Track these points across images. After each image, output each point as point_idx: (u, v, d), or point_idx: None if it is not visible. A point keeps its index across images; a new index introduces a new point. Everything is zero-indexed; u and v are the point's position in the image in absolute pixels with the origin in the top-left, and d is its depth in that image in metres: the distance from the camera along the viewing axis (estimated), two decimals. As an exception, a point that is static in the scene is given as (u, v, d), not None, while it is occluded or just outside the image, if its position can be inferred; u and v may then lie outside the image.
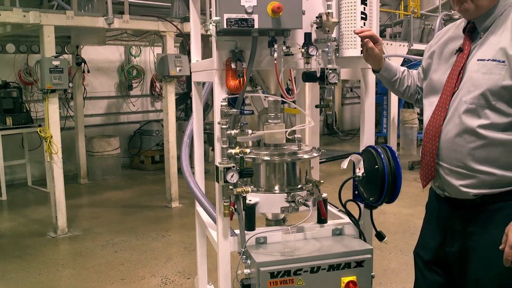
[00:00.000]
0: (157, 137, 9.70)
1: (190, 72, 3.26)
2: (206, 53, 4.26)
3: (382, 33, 12.01)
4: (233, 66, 2.36)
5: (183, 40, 7.40)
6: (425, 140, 2.27)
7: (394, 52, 9.83)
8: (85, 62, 8.47)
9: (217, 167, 2.41)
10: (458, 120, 2.12)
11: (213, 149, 2.53)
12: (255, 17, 2.25)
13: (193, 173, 3.18)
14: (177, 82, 8.90)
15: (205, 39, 6.93)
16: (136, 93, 10.37)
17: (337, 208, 2.98)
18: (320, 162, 10.55)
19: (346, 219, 2.76)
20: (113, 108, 10.19)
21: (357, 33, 2.38)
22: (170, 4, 7.46)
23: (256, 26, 2.26)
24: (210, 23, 2.34)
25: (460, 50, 2.19)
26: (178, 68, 6.38)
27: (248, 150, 2.45)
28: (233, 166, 2.39)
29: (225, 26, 2.23)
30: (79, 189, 8.29)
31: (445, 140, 2.18)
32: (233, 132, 2.42)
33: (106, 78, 10.00)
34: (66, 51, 8.24)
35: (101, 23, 5.95)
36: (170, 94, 6.66)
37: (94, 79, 9.64)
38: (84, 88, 9.04)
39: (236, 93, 2.40)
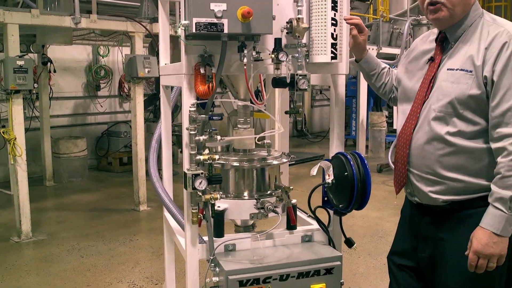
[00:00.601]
0: (125, 139, 9.56)
1: (159, 74, 3.21)
2: (175, 55, 4.20)
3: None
4: (202, 71, 2.32)
5: (152, 41, 7.30)
6: (397, 147, 2.30)
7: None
8: (51, 62, 8.28)
9: (185, 174, 2.37)
10: (427, 127, 2.16)
11: (181, 151, 2.47)
12: (225, 21, 2.22)
13: (161, 177, 3.13)
14: (146, 82, 8.79)
15: (175, 40, 6.86)
16: (104, 94, 10.20)
17: (307, 213, 2.97)
18: (290, 165, 10.56)
19: (316, 225, 2.75)
20: (80, 109, 10.01)
21: (345, 19, 2.41)
22: (139, 4, 7.36)
23: (225, 30, 2.22)
24: (179, 26, 2.30)
25: (431, 59, 2.22)
26: (147, 70, 6.29)
27: (217, 157, 2.42)
28: (202, 173, 2.35)
29: (194, 31, 2.19)
30: (44, 192, 8.10)
31: (415, 147, 2.21)
32: (201, 138, 2.39)
33: (73, 78, 9.81)
34: (32, 50, 8.03)
35: (67, 22, 5.82)
36: (139, 95, 6.56)
37: (60, 79, 9.45)
38: (50, 88, 8.84)
39: (205, 98, 2.36)
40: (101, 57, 9.97)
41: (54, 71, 8.57)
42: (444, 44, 2.21)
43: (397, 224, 2.61)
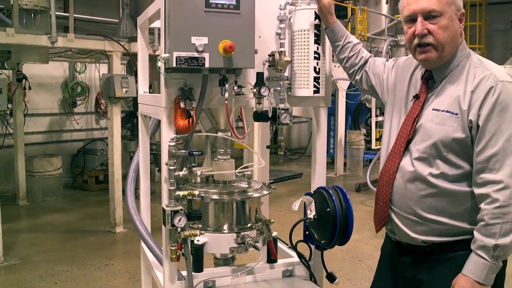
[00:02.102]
0: (101, 157, 9.41)
1: (138, 102, 3.14)
2: (153, 73, 4.13)
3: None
4: (182, 105, 2.27)
5: (130, 60, 7.22)
6: (379, 185, 2.25)
7: (342, 75, 9.96)
8: (26, 79, 8.12)
9: (164, 210, 2.30)
10: (410, 167, 2.12)
11: (159, 170, 2.42)
12: (206, 55, 2.18)
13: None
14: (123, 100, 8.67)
15: (153, 59, 6.81)
16: (80, 110, 10.05)
17: (287, 245, 2.92)
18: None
19: (297, 258, 2.70)
20: (56, 126, 9.83)
21: None
22: (117, 20, 7.28)
23: (207, 65, 2.18)
24: (159, 59, 2.24)
25: (416, 97, 2.18)
26: (124, 89, 6.21)
27: (196, 192, 2.36)
28: (181, 209, 2.29)
29: (174, 65, 2.14)
30: (17, 212, 7.89)
31: (397, 186, 2.18)
32: (181, 173, 2.33)
33: (49, 94, 9.65)
34: (6, 67, 7.87)
35: (44, 41, 5.71)
36: (116, 115, 6.46)
37: (36, 95, 9.28)
38: (25, 105, 8.67)
39: (185, 133, 2.31)
40: (78, 74, 9.83)
41: (29, 88, 8.41)
42: (430, 82, 2.18)
43: (377, 262, 2.57)
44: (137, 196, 3.01)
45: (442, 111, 2.05)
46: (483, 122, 1.95)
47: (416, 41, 2.09)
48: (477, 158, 1.97)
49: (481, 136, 1.96)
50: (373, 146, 9.67)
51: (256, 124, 3.10)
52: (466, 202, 2.04)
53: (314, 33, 2.39)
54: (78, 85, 9.80)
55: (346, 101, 11.16)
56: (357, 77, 2.52)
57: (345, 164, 11.18)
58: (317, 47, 2.41)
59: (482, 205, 1.95)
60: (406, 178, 2.13)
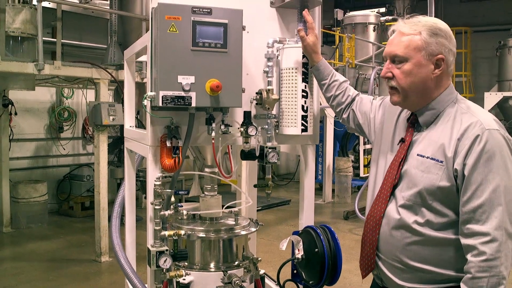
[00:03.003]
0: (87, 183, 9.29)
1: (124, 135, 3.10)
2: (141, 101, 4.11)
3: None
4: (168, 144, 2.24)
5: (118, 87, 7.19)
6: (365, 230, 2.20)
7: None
8: (12, 104, 8.05)
9: (149, 251, 2.25)
10: (395, 214, 2.08)
11: (145, 197, 2.38)
12: (193, 94, 2.16)
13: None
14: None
15: (141, 86, 6.79)
16: (67, 136, 9.95)
17: (275, 281, 2.88)
18: (256, 210, 10.32)
19: (285, 297, 2.65)
20: (42, 151, 9.72)
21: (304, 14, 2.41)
22: (105, 46, 7.27)
23: (193, 104, 2.17)
24: (145, 97, 2.22)
25: (402, 141, 2.16)
26: (111, 117, 6.16)
27: (182, 232, 2.32)
28: (166, 250, 2.24)
29: (160, 104, 2.12)
30: (1, 239, 7.73)
31: (383, 232, 2.13)
32: (167, 213, 2.29)
33: (35, 119, 9.56)
34: (-7, 92, 7.82)
35: (30, 69, 5.67)
36: (103, 143, 6.40)
37: (22, 120, 9.19)
38: (11, 130, 8.58)
39: (171, 173, 2.28)
40: (65, 99, 9.77)
41: (15, 114, 8.33)
42: (416, 125, 2.15)
43: None
44: (122, 223, 2.96)
45: (427, 157, 2.01)
46: (469, 171, 1.91)
47: (385, 83, 2.11)
48: (463, 208, 1.93)
49: (467, 186, 1.91)
50: (361, 174, 9.67)
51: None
52: (452, 250, 1.99)
53: (302, 71, 2.39)
54: (65, 110, 9.71)
55: (334, 128, 11.19)
56: (344, 116, 2.51)
57: (333, 190, 11.15)
58: (305, 86, 2.40)
59: (469, 257, 1.90)
60: (392, 225, 2.09)
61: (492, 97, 12.79)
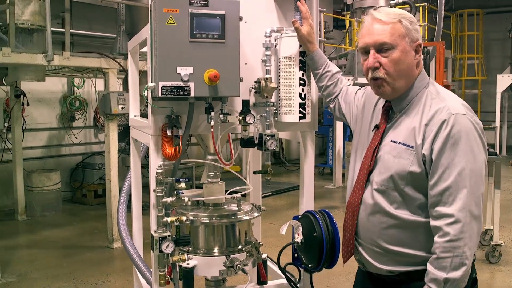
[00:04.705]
0: (100, 170, 9.42)
1: (129, 125, 3.17)
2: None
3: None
4: (168, 133, 2.31)
5: (127, 76, 7.26)
6: (345, 217, 2.26)
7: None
8: (24, 95, 8.18)
9: (152, 236, 2.33)
10: (371, 200, 2.13)
11: None
12: (192, 85, 2.21)
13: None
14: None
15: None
16: (78, 125, 10.08)
17: (279, 265, 2.95)
18: (266, 196, 10.50)
19: (287, 279, 2.72)
20: (55, 140, 9.87)
21: (299, 4, 2.43)
22: (115, 35, 7.34)
23: (192, 94, 2.22)
24: (146, 88, 2.28)
25: (377, 127, 2.20)
26: (120, 106, 6.24)
27: (184, 218, 2.39)
28: (169, 235, 2.32)
29: (160, 95, 2.18)
30: (16, 227, 7.91)
31: (361, 218, 2.19)
32: (169, 199, 2.36)
33: (48, 109, 9.69)
34: (4, 83, 7.93)
35: (40, 60, 5.76)
36: (112, 132, 6.49)
37: (34, 110, 9.33)
38: (24, 120, 8.71)
39: (172, 161, 2.34)
40: (76, 88, 9.88)
41: (27, 104, 8.45)
42: (390, 112, 2.18)
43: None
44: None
45: (399, 143, 2.05)
46: (436, 156, 1.95)
47: (369, 74, 2.09)
48: (431, 191, 1.97)
49: (435, 170, 1.95)
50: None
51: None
52: (425, 233, 2.04)
53: (300, 60, 2.43)
54: (76, 99, 9.83)
55: (344, 113, 11.17)
56: (331, 105, 2.56)
57: (343, 175, 11.19)
58: (303, 74, 2.44)
59: (436, 238, 1.95)
60: (368, 211, 2.14)
61: (505, 79, 12.68)
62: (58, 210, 8.77)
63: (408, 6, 11.73)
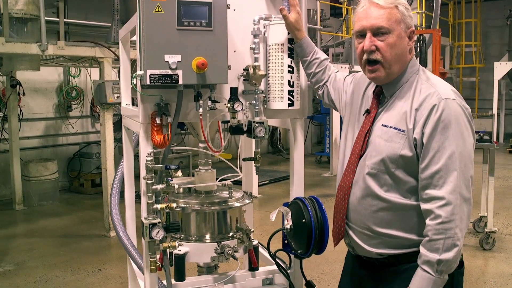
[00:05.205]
0: (97, 160, 9.43)
1: (121, 114, 3.18)
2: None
3: (325, 53, 12.14)
4: (157, 121, 2.32)
5: (122, 65, 7.25)
6: (336, 200, 2.29)
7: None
8: (20, 84, 8.17)
9: (142, 223, 2.35)
10: (362, 183, 2.16)
11: None
12: (180, 72, 2.22)
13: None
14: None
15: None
16: (75, 114, 10.09)
17: (270, 252, 2.97)
18: (263, 184, 10.52)
19: (278, 266, 2.74)
20: (51, 130, 9.88)
21: None
22: (110, 24, 7.32)
23: (180, 82, 2.23)
24: (134, 76, 2.30)
25: (367, 112, 2.22)
26: (116, 95, 6.24)
27: (174, 205, 2.41)
28: (159, 222, 2.34)
29: (148, 83, 2.19)
30: (14, 217, 7.95)
31: (352, 201, 2.22)
32: (158, 187, 2.38)
33: (44, 99, 9.70)
34: (0, 73, 7.93)
35: (34, 49, 5.76)
36: (108, 121, 6.51)
37: (31, 100, 9.33)
38: (20, 110, 8.72)
39: (161, 148, 2.36)
40: (72, 78, 9.87)
41: (24, 94, 8.45)
42: (381, 97, 2.21)
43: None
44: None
45: (390, 127, 2.09)
46: (427, 139, 1.98)
47: (364, 57, 2.11)
48: (421, 174, 2.01)
49: (425, 153, 1.99)
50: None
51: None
52: (415, 216, 2.08)
53: (288, 47, 2.44)
54: (72, 89, 9.83)
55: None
56: (320, 92, 2.58)
57: (340, 163, 11.22)
58: (291, 61, 2.45)
59: (427, 221, 1.99)
60: (359, 194, 2.17)
61: (502, 67, 12.64)
62: (56, 199, 8.81)
63: (405, -7, 11.67)
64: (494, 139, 12.27)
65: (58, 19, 6.82)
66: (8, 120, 8.31)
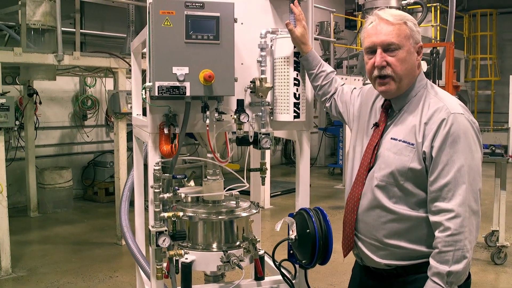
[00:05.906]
0: (111, 169, 9.51)
1: (133, 124, 3.25)
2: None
3: (339, 65, 12.22)
4: (165, 131, 2.38)
5: (137, 75, 7.36)
6: (345, 212, 2.32)
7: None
8: (37, 93, 8.32)
9: (149, 231, 2.40)
10: (371, 195, 2.20)
11: None
12: (187, 84, 2.28)
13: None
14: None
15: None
16: (90, 123, 10.24)
17: (277, 262, 3.00)
18: (276, 195, 10.52)
19: (284, 275, 2.77)
20: (67, 139, 10.02)
21: (292, 7, 2.49)
22: (125, 35, 7.46)
23: (188, 93, 2.29)
24: (143, 88, 2.36)
25: (376, 125, 2.26)
26: (129, 105, 6.32)
27: (181, 214, 2.45)
28: (166, 230, 2.39)
29: (156, 94, 2.25)
30: (28, 223, 8.07)
31: (360, 213, 2.25)
32: (166, 195, 2.43)
33: (60, 108, 9.85)
34: (18, 82, 8.09)
35: (50, 59, 5.87)
36: (122, 130, 6.60)
37: (47, 109, 9.49)
38: (37, 119, 8.87)
39: (169, 158, 2.41)
40: (88, 88, 10.02)
41: (40, 103, 8.60)
42: (389, 111, 2.25)
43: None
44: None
45: (399, 140, 2.13)
46: (436, 153, 2.02)
47: (375, 72, 2.15)
48: (431, 187, 2.04)
49: (435, 167, 2.03)
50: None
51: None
52: (424, 228, 2.11)
53: (294, 60, 2.49)
54: (88, 98, 9.98)
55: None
56: (327, 104, 2.62)
57: (353, 175, 11.19)
58: (297, 74, 2.50)
59: (436, 233, 2.02)
60: (368, 206, 2.21)
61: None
62: (70, 207, 8.92)
63: (419, 6, 11.71)
64: (510, 153, 12.18)
65: (74, 30, 6.95)
66: (24, 128, 8.46)
